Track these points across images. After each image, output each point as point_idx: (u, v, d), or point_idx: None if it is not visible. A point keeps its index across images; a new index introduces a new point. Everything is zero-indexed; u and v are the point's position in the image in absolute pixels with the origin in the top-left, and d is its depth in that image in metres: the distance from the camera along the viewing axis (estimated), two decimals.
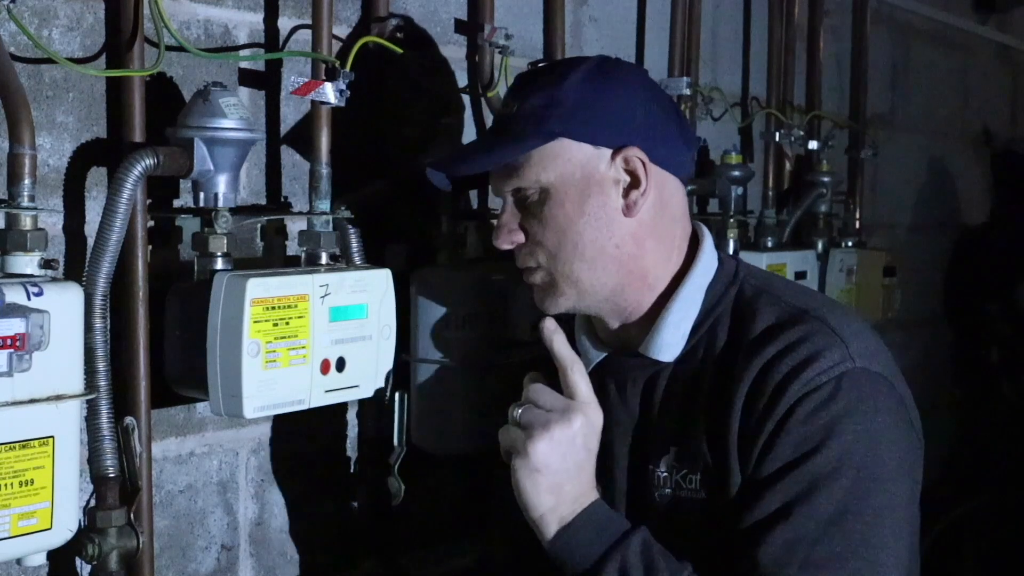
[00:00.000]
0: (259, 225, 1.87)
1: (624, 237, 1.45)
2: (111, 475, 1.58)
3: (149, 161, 1.55)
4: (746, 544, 1.32)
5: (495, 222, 1.51)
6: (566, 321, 1.58)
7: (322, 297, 1.66)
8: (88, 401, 1.52)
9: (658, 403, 1.45)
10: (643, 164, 1.45)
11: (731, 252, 2.80)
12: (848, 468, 1.31)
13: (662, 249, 1.48)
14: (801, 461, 1.32)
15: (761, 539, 1.31)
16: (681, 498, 1.40)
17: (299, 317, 1.64)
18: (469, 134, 2.22)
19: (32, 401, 1.37)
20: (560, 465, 1.38)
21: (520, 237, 1.47)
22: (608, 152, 1.44)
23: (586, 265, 1.44)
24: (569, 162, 1.44)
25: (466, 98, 2.23)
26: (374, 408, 1.98)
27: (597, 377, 1.51)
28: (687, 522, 1.40)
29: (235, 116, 1.63)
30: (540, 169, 1.44)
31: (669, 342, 1.45)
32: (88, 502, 1.59)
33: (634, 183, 1.45)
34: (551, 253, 1.45)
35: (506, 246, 1.48)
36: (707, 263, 1.49)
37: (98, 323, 1.54)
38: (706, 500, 1.38)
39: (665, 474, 1.42)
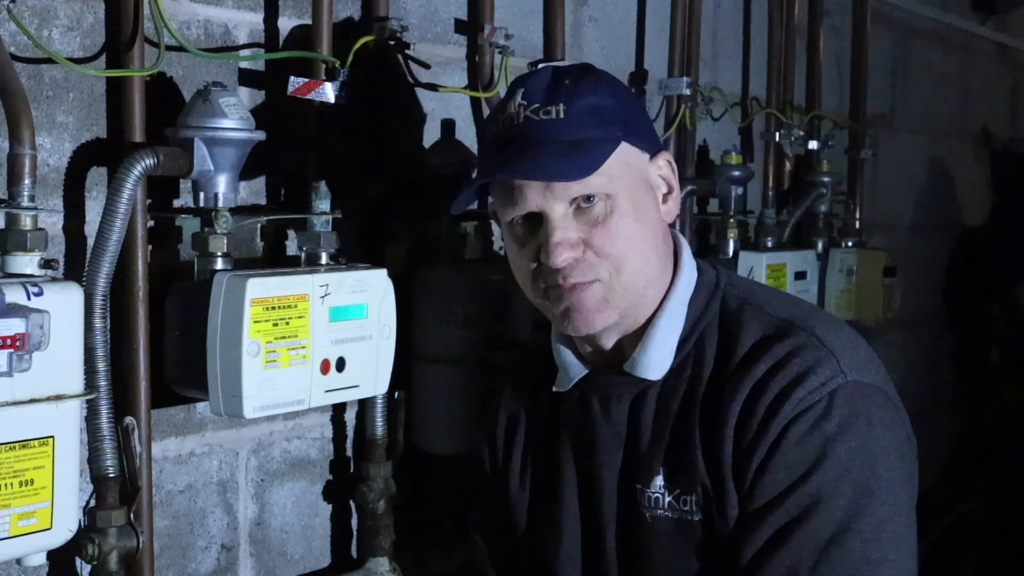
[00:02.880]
0: (259, 225, 1.87)
1: (660, 245, 1.41)
2: (111, 475, 1.58)
3: (149, 161, 1.55)
4: (748, 574, 1.30)
5: (551, 236, 1.33)
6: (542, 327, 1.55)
7: (322, 297, 1.66)
8: (88, 401, 1.52)
9: (646, 422, 1.41)
10: (673, 169, 1.44)
11: (731, 252, 2.80)
12: (845, 486, 1.29)
13: (666, 259, 1.44)
14: (798, 483, 1.30)
15: (762, 568, 1.29)
16: (676, 520, 1.37)
17: (299, 317, 1.64)
18: (469, 134, 2.22)
19: (32, 401, 1.37)
20: None
21: (580, 252, 1.34)
22: (647, 157, 1.41)
23: (645, 275, 1.38)
24: (630, 167, 1.37)
25: (466, 98, 2.23)
26: (374, 408, 1.98)
27: (579, 393, 1.47)
28: (683, 543, 1.37)
29: (235, 116, 1.63)
30: (608, 176, 1.33)
31: (656, 360, 1.40)
32: (88, 502, 1.59)
33: (669, 189, 1.43)
34: (617, 266, 1.35)
35: (567, 263, 1.33)
36: (688, 274, 1.44)
37: (98, 323, 1.54)
38: (703, 522, 1.36)
39: (657, 495, 1.39)
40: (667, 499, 1.38)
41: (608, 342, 1.43)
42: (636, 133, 1.39)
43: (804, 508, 1.29)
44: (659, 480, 1.39)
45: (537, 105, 1.35)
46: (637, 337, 1.41)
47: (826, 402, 1.31)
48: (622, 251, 1.35)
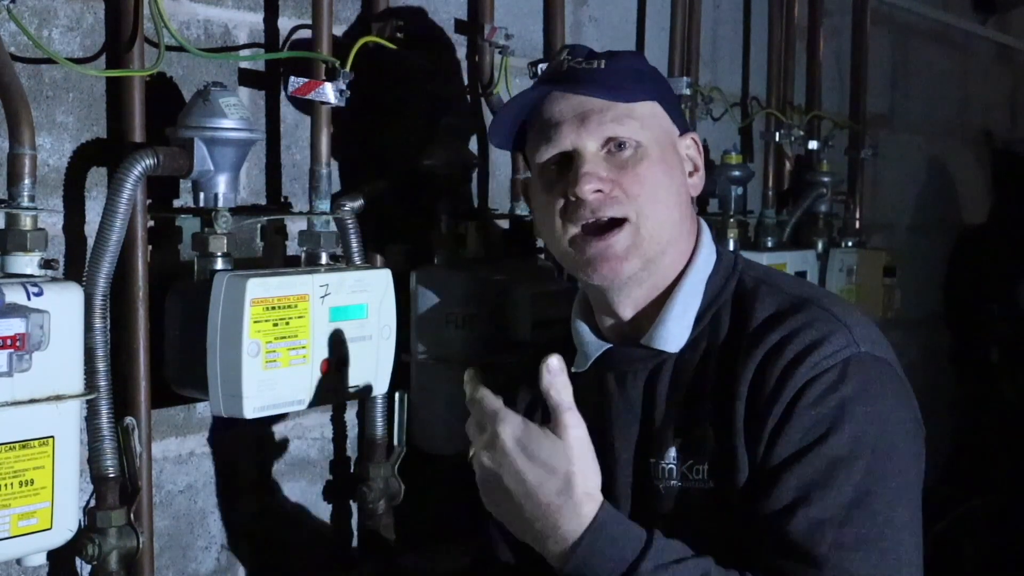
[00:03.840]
0: (259, 225, 1.87)
1: (685, 207, 1.47)
2: (111, 475, 1.58)
3: (149, 161, 1.55)
4: (768, 529, 1.31)
5: (581, 167, 1.38)
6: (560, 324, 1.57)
7: (322, 297, 1.66)
8: (88, 401, 1.52)
9: (661, 395, 1.44)
10: (699, 150, 1.51)
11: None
12: (863, 450, 1.31)
13: (690, 225, 1.49)
14: (815, 444, 1.31)
15: (784, 522, 1.30)
16: (688, 489, 1.39)
17: (299, 317, 1.64)
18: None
19: (32, 401, 1.37)
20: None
21: (608, 188, 1.39)
22: (677, 131, 1.49)
23: (669, 229, 1.43)
24: (662, 127, 1.45)
25: (466, 98, 2.23)
26: (374, 408, 1.98)
27: (595, 371, 1.49)
28: (696, 512, 1.39)
29: (235, 116, 1.63)
30: (641, 124, 1.42)
31: (674, 332, 1.44)
32: (88, 502, 1.59)
33: (695, 168, 1.51)
34: (643, 210, 1.40)
35: (594, 196, 1.39)
36: (707, 255, 1.49)
37: (98, 323, 1.54)
38: (714, 490, 1.38)
39: (670, 466, 1.41)
40: (680, 470, 1.40)
41: (627, 313, 1.47)
42: (669, 104, 1.48)
43: (824, 470, 1.31)
44: (672, 452, 1.41)
45: (581, 59, 1.45)
46: (655, 311, 1.45)
47: (840, 368, 1.34)
48: (649, 195, 1.41)
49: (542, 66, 1.49)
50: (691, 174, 1.50)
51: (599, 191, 1.39)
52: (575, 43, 1.52)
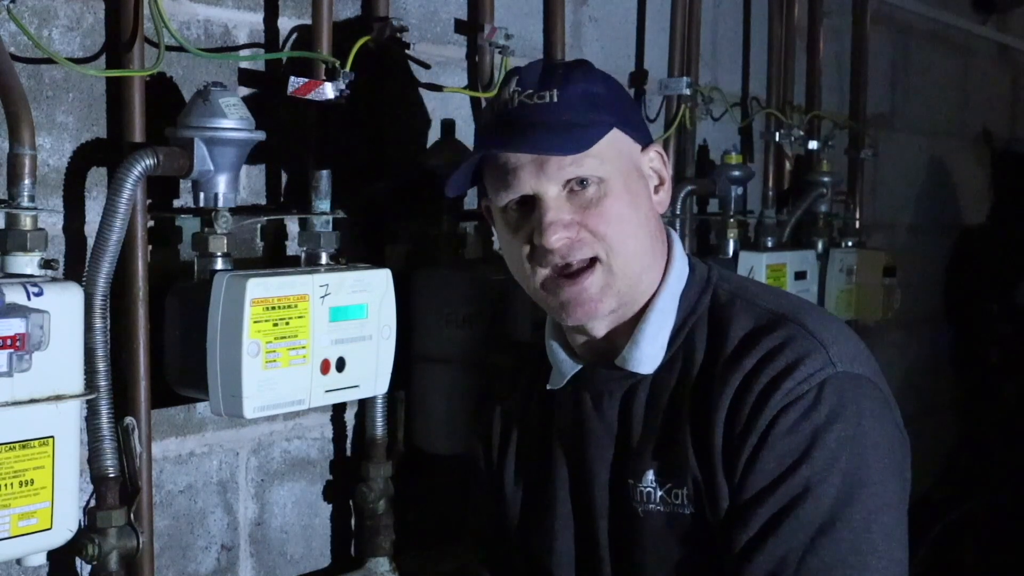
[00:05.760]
0: (259, 225, 1.87)
1: (654, 233, 1.43)
2: (111, 475, 1.58)
3: (149, 161, 1.55)
4: (739, 563, 1.31)
5: (545, 216, 1.34)
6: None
7: (322, 297, 1.67)
8: (88, 401, 1.52)
9: (637, 417, 1.41)
10: (664, 162, 1.46)
11: (731, 252, 2.80)
12: (834, 475, 1.29)
13: (660, 248, 1.45)
14: (787, 473, 1.30)
15: (753, 557, 1.30)
16: (667, 514, 1.37)
17: (299, 317, 1.64)
18: (469, 134, 2.22)
19: (32, 401, 1.37)
20: None
21: (575, 232, 1.35)
22: (639, 148, 1.43)
23: (640, 259, 1.39)
24: (622, 153, 1.39)
25: (466, 98, 2.23)
26: (374, 408, 1.98)
27: (571, 390, 1.47)
28: (675, 537, 1.37)
29: (235, 116, 1.63)
30: (601, 159, 1.35)
31: (648, 353, 1.40)
32: (88, 502, 1.59)
33: (661, 181, 1.45)
34: (612, 248, 1.35)
35: (562, 243, 1.34)
36: (680, 269, 1.45)
37: (98, 323, 1.54)
38: (694, 515, 1.36)
39: (648, 489, 1.39)
40: (659, 493, 1.38)
41: (600, 332, 1.43)
42: (627, 122, 1.42)
43: (793, 497, 1.29)
44: (650, 475, 1.39)
45: (531, 91, 1.38)
46: (628, 330, 1.42)
47: (815, 392, 1.31)
48: (616, 233, 1.36)
49: None
50: (657, 189, 1.44)
51: (570, 238, 1.34)
52: (523, 66, 1.42)
